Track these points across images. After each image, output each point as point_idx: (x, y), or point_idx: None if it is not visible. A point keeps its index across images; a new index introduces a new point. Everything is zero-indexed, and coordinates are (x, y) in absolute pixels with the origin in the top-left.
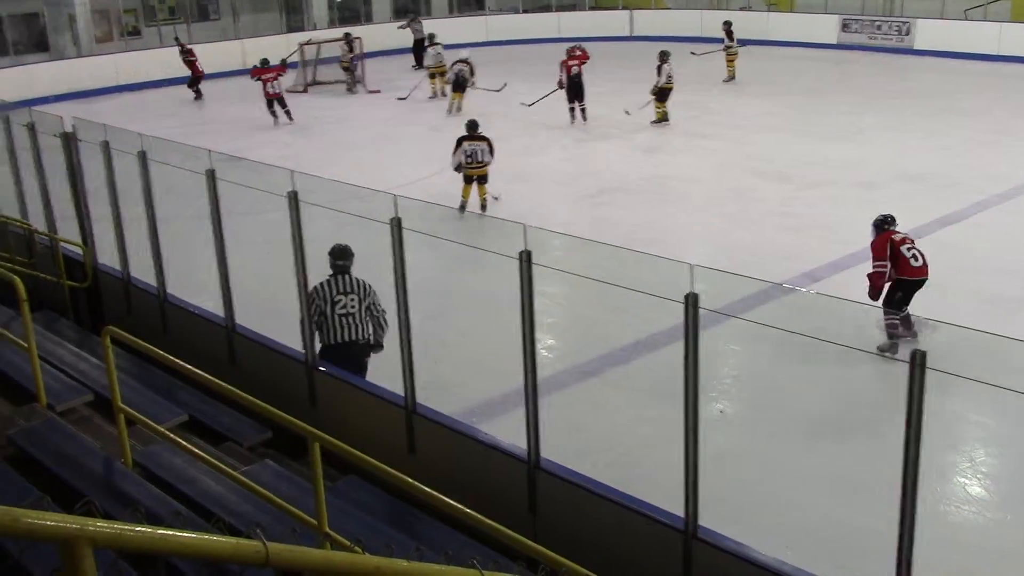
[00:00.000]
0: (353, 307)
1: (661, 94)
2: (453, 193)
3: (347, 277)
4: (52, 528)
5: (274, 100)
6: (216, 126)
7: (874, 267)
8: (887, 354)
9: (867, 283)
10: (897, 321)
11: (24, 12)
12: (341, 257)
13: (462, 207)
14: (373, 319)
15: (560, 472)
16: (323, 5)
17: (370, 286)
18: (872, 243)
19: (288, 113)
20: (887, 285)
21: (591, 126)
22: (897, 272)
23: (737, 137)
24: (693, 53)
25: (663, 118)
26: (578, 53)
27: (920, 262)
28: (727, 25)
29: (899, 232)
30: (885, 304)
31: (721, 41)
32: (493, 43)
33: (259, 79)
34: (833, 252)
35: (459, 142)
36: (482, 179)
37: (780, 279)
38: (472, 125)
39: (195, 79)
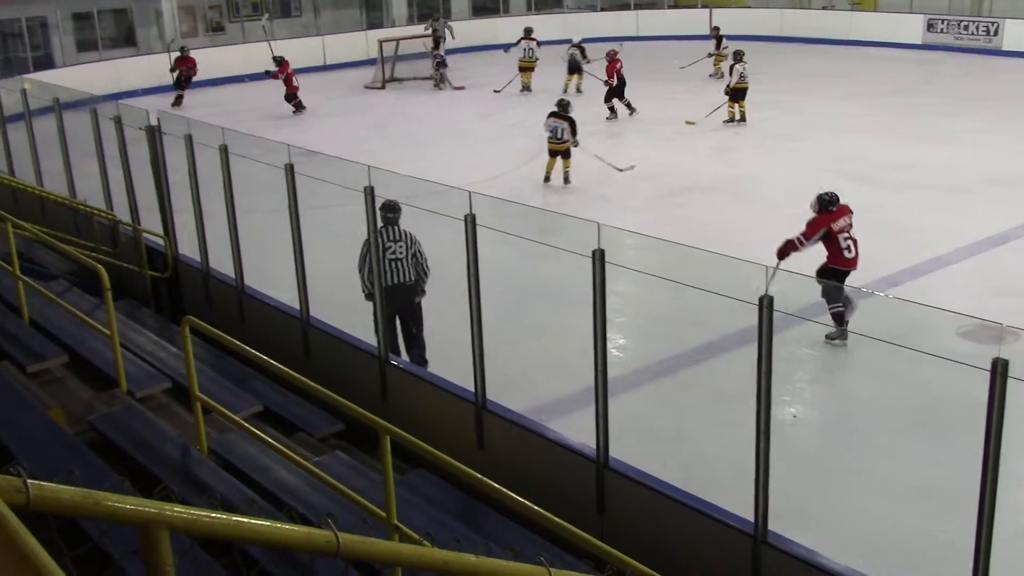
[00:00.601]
0: (401, 253)
1: (735, 94)
2: (527, 191)
3: (396, 228)
4: (131, 512)
5: (295, 93)
6: (294, 120)
7: (797, 240)
8: (836, 342)
9: (783, 243)
10: (842, 309)
11: (113, 8)
12: (391, 211)
13: (545, 178)
14: (418, 265)
15: (629, 472)
16: (403, 2)
17: (415, 236)
18: (813, 218)
19: (301, 103)
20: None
21: (668, 126)
22: (829, 259)
23: (819, 138)
24: (681, 67)
25: (733, 118)
26: (618, 56)
27: (852, 254)
28: (716, 31)
29: (844, 216)
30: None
31: (709, 38)
32: (570, 41)
33: (286, 74)
34: (915, 257)
35: (548, 116)
36: (564, 154)
37: (859, 283)
38: (561, 104)
39: (187, 81)
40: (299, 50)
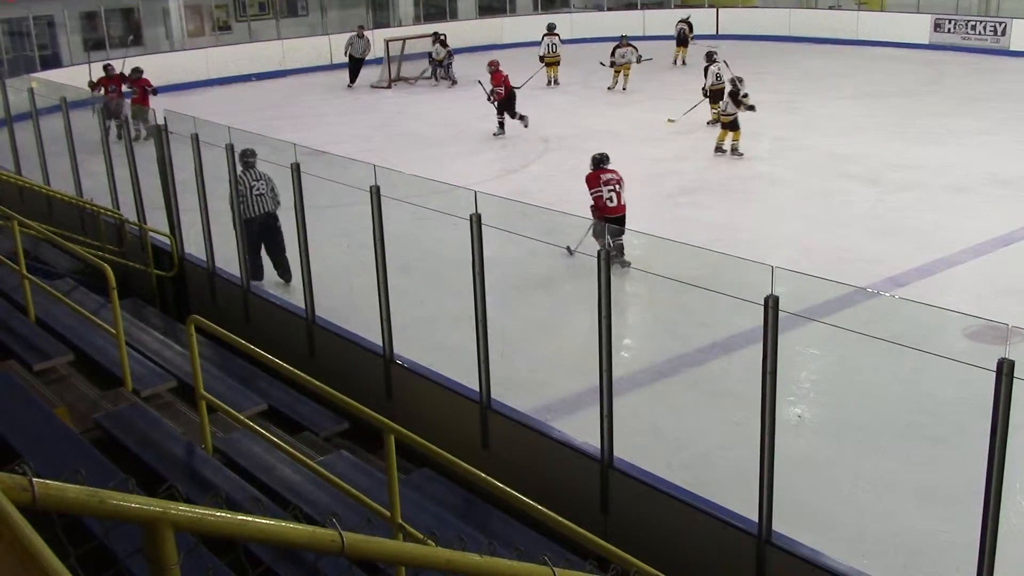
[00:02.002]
0: (263, 189)
1: (714, 95)
2: (533, 190)
3: (255, 170)
4: (136, 510)
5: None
6: (301, 120)
7: (593, 196)
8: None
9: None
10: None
11: (120, 7)
12: (251, 156)
13: (716, 148)
14: (275, 198)
15: (633, 472)
16: (409, 2)
17: (269, 176)
18: (588, 175)
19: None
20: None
21: (676, 126)
22: (595, 206)
23: (825, 138)
24: (602, 63)
25: (718, 119)
26: (500, 67)
27: (614, 203)
28: (551, 28)
29: (610, 173)
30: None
31: (615, 40)
32: (577, 40)
33: (141, 88)
34: (920, 257)
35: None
36: (731, 126)
37: (864, 283)
38: (732, 81)
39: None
40: (306, 49)
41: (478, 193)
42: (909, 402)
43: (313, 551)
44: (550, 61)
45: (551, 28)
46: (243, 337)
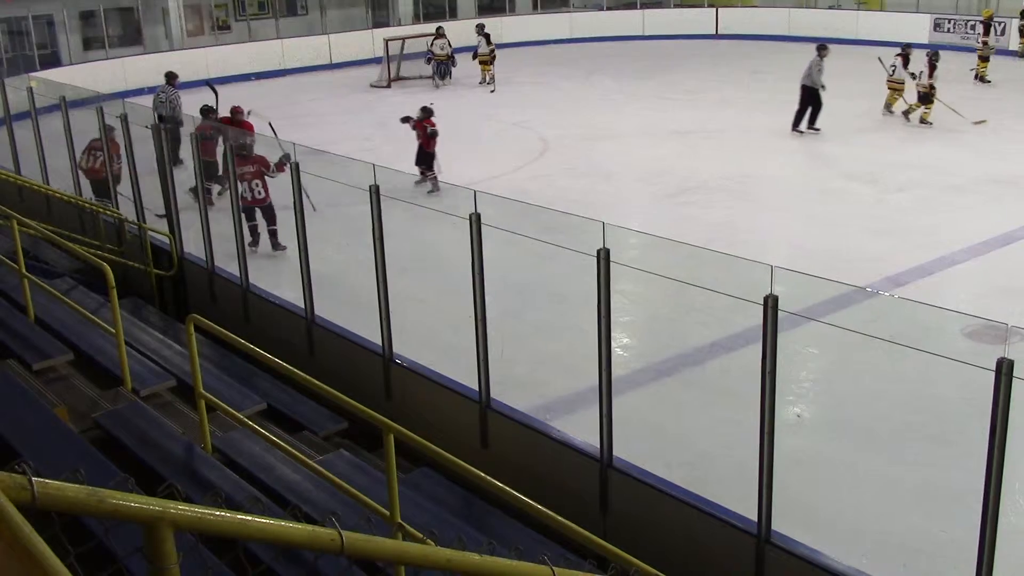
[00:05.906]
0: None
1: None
2: (533, 190)
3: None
4: (135, 510)
5: None
6: (301, 120)
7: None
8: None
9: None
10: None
11: (119, 7)
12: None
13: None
14: None
15: (632, 472)
16: (408, 1)
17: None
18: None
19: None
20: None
21: (672, 126)
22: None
23: (824, 138)
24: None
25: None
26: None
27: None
28: (480, 28)
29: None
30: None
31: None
32: (576, 40)
33: None
34: (919, 256)
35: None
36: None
37: (863, 283)
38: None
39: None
40: (305, 49)
41: (478, 193)
42: (909, 402)
43: (313, 550)
44: (485, 59)
45: (481, 28)
46: (242, 336)
